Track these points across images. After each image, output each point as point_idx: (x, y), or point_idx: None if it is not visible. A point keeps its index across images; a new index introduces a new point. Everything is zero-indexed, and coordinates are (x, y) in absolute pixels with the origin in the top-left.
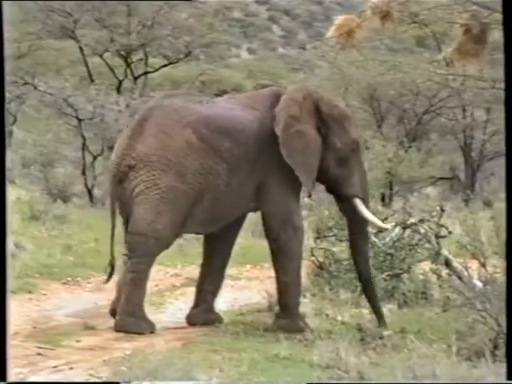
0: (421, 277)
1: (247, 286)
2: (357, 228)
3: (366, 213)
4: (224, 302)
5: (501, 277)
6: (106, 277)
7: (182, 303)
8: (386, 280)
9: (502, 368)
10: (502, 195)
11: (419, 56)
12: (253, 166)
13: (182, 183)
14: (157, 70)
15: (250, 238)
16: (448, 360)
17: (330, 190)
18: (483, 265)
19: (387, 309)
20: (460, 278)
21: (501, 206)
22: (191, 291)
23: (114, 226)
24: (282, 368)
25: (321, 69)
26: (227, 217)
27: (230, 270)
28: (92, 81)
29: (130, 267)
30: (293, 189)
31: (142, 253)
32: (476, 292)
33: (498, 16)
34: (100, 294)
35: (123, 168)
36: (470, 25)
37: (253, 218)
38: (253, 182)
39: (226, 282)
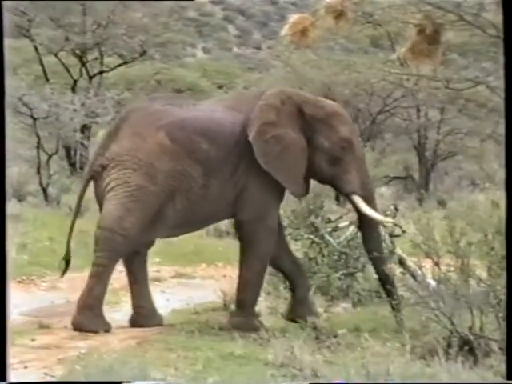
0: (375, 276)
1: (202, 285)
2: (364, 225)
3: (366, 209)
4: (179, 300)
5: (454, 275)
6: (60, 272)
7: None
8: (340, 279)
9: (455, 366)
10: (456, 194)
11: (373, 56)
12: (234, 169)
13: (151, 184)
14: (112, 69)
15: (205, 238)
16: (402, 358)
17: (334, 188)
18: (437, 264)
19: (342, 307)
20: (414, 276)
21: (454, 205)
22: None
23: (73, 223)
24: (237, 366)
25: (275, 68)
26: (207, 219)
27: (185, 269)
28: (47, 80)
29: (94, 260)
30: (273, 192)
31: (106, 247)
32: (429, 291)
33: (452, 16)
34: (55, 293)
35: (96, 167)
36: (423, 25)
37: None
38: (235, 185)
39: (181, 280)
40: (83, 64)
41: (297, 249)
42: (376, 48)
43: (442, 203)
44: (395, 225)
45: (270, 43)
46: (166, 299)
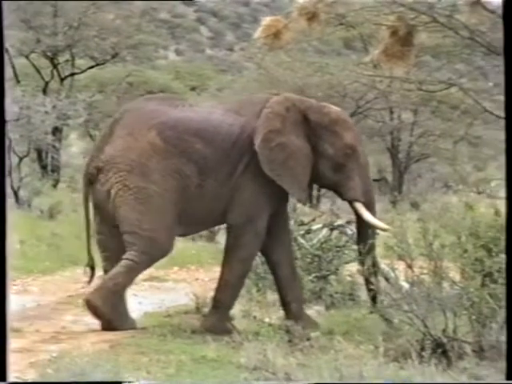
0: (348, 278)
1: (174, 288)
2: (361, 231)
3: (367, 216)
4: (151, 303)
5: (427, 278)
6: (88, 278)
7: None
8: (313, 281)
9: (429, 369)
10: (429, 196)
11: (346, 58)
12: (232, 170)
13: (150, 183)
14: (83, 71)
15: (178, 240)
16: (375, 361)
17: (337, 194)
18: (410, 266)
19: (314, 310)
20: (387, 279)
21: (427, 207)
22: None
23: (88, 226)
24: (210, 370)
25: (248, 70)
26: (205, 220)
27: (157, 272)
28: (18, 82)
29: (127, 255)
30: (266, 197)
31: (135, 249)
32: (403, 293)
33: (425, 18)
34: (26, 296)
35: (91, 170)
36: (396, 27)
37: None
38: (232, 186)
39: (153, 284)
40: (54, 66)
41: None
42: (349, 50)
43: (415, 205)
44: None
45: (243, 45)
46: (138, 302)
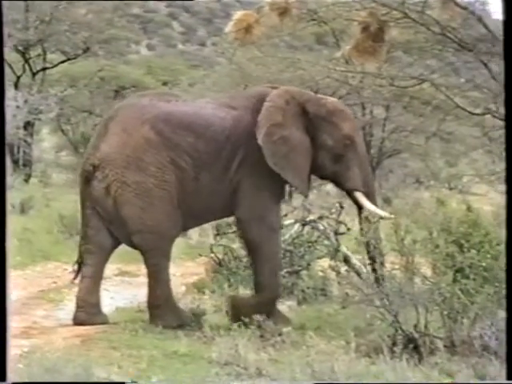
0: (320, 273)
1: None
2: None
3: (368, 205)
4: (123, 299)
5: (399, 273)
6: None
7: None
8: (285, 277)
9: (400, 364)
10: (401, 192)
11: (318, 53)
12: (228, 164)
13: (146, 177)
14: (55, 65)
15: None
16: (346, 356)
17: (336, 185)
18: (382, 262)
19: (286, 305)
20: (359, 274)
21: (399, 202)
22: None
23: (84, 224)
24: (181, 365)
25: (220, 65)
26: (204, 214)
27: (129, 267)
28: None
29: (145, 263)
30: (270, 189)
31: (146, 248)
32: (374, 288)
33: (396, 14)
34: None
35: (88, 167)
36: (368, 22)
37: None
38: (230, 181)
39: (124, 279)
40: (26, 60)
41: (241, 246)
42: (321, 45)
43: (387, 201)
44: (339, 222)
45: (215, 40)
46: (110, 297)
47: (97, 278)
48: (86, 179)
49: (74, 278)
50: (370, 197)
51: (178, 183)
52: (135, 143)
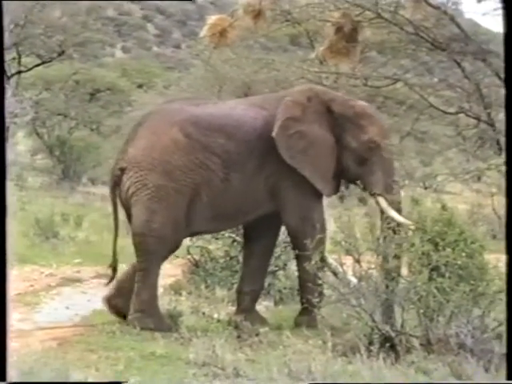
0: (296, 274)
1: None
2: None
3: (389, 211)
4: (99, 301)
5: (375, 273)
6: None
7: (57, 303)
8: None
9: (377, 363)
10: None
11: (293, 54)
12: (260, 163)
13: (169, 181)
14: (30, 69)
15: (126, 237)
16: (323, 356)
17: (361, 189)
18: (358, 261)
19: (263, 306)
20: (335, 274)
21: (375, 202)
22: (67, 291)
23: (116, 227)
24: (159, 366)
25: (195, 67)
26: (236, 215)
27: (106, 270)
28: None
29: (137, 266)
30: (310, 186)
31: (143, 252)
32: (351, 288)
33: (369, 14)
34: None
35: (116, 171)
36: (341, 23)
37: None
38: (264, 180)
39: (101, 281)
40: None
41: (218, 247)
42: (295, 46)
43: (362, 200)
44: None
45: (190, 42)
46: (87, 300)
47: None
48: (115, 184)
49: (109, 283)
50: (394, 202)
51: (205, 186)
52: (163, 146)
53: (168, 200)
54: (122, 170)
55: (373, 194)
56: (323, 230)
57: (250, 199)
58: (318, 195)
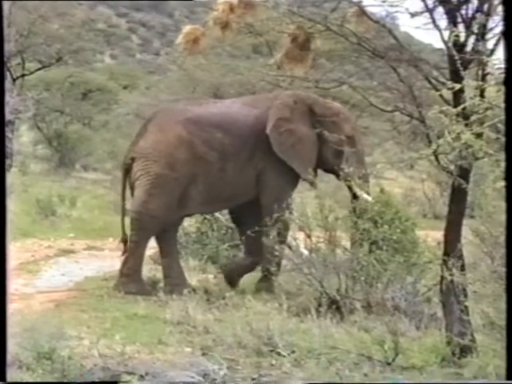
0: None
1: (110, 256)
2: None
3: (360, 193)
4: (90, 269)
5: (323, 246)
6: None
7: (55, 271)
8: (227, 250)
9: (325, 322)
10: (325, 177)
11: (255, 61)
12: (251, 154)
13: (170, 171)
14: (32, 72)
15: (113, 215)
16: (280, 316)
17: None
18: (309, 236)
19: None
20: (289, 247)
21: (324, 186)
22: (62, 261)
23: (124, 209)
24: (141, 324)
25: (172, 72)
26: (229, 199)
27: (95, 243)
28: None
29: (129, 237)
30: (289, 176)
31: (136, 227)
32: (303, 259)
33: (320, 27)
34: None
35: (127, 160)
36: (296, 34)
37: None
38: (253, 168)
39: (92, 252)
40: (7, 69)
41: (190, 224)
42: (257, 54)
43: (313, 184)
44: None
45: (168, 50)
46: (79, 268)
47: (171, 254)
48: (126, 171)
49: (123, 254)
50: (364, 186)
51: (202, 176)
52: (168, 141)
53: (166, 187)
54: (133, 159)
55: (347, 181)
56: (290, 212)
57: (242, 184)
58: (294, 183)
